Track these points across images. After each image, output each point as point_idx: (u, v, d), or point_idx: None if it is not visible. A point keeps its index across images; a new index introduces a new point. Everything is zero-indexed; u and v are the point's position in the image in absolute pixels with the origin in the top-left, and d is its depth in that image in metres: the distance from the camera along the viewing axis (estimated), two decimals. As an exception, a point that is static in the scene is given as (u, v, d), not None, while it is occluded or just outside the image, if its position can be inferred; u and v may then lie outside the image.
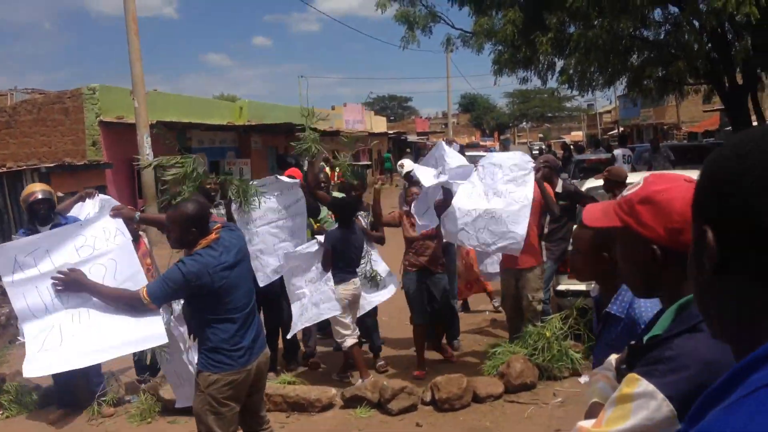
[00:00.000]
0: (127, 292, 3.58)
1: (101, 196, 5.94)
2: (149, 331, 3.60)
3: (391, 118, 56.79)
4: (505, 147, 37.58)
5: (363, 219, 6.56)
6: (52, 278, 3.60)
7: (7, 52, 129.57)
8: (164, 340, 3.69)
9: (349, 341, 6.00)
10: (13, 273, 3.62)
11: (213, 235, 3.61)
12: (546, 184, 6.01)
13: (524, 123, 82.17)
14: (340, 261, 5.96)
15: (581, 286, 6.35)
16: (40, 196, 5.65)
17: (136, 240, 6.36)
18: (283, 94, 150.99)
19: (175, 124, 17.38)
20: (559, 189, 6.44)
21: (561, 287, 6.79)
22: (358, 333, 6.22)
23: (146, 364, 6.61)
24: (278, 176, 6.33)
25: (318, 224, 6.75)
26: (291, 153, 10.30)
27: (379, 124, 39.91)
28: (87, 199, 5.68)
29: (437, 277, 6.22)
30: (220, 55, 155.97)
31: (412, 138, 39.35)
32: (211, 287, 3.51)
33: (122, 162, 14.96)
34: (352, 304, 6.06)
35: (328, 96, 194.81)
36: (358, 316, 6.24)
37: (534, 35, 13.39)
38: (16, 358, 7.44)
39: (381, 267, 6.54)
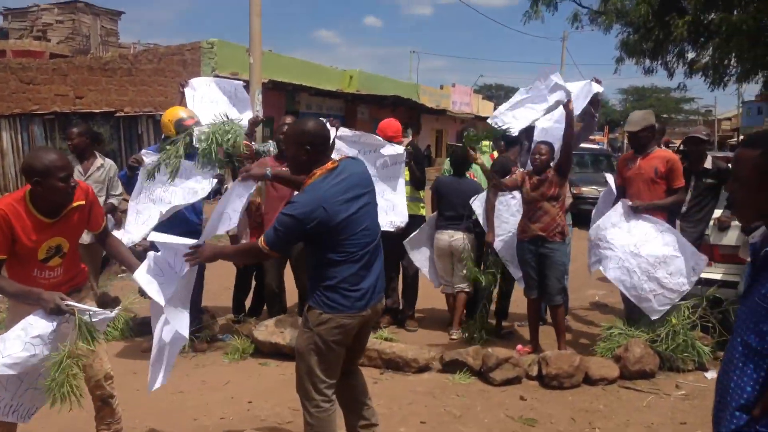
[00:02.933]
0: (247, 245, 3.43)
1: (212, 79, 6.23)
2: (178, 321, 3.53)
3: (497, 106, 55.80)
4: (612, 147, 35.98)
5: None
6: (185, 255, 3.45)
7: (133, 12, 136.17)
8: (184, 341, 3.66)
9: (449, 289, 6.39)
10: None
11: (330, 164, 3.27)
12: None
13: (635, 123, 78.77)
14: (445, 208, 6.25)
15: (715, 275, 5.76)
16: (190, 123, 5.64)
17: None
18: (392, 72, 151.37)
19: (285, 85, 17.47)
20: (708, 165, 5.79)
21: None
22: (462, 285, 6.30)
23: (242, 305, 6.63)
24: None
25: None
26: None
27: (486, 109, 39.16)
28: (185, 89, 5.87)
29: (551, 247, 5.58)
30: (330, 31, 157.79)
31: (518, 126, 38.35)
32: (329, 223, 3.14)
33: (232, 117, 15.13)
34: (445, 253, 6.24)
35: (437, 77, 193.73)
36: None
37: (670, 17, 12.54)
38: (116, 289, 7.55)
39: None
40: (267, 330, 5.67)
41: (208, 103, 5.99)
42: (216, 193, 5.59)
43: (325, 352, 3.29)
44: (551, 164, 5.54)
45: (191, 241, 3.54)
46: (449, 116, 29.42)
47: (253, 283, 6.69)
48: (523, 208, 5.72)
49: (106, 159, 6.53)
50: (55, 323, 3.05)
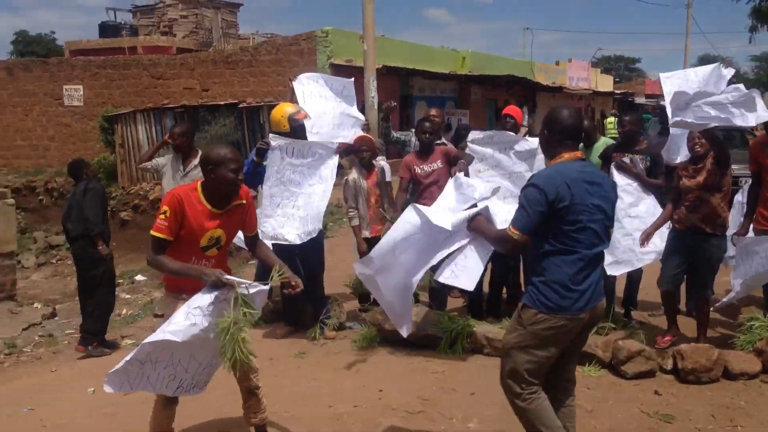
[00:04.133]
0: (498, 231, 3.33)
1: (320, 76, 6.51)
2: None
3: (617, 79, 53.46)
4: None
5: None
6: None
7: (250, 2, 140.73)
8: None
9: None
10: None
11: (579, 153, 3.27)
12: None
13: (768, 91, 73.63)
14: None
15: None
16: (301, 117, 5.95)
17: (370, 170, 6.41)
18: (505, 50, 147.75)
19: (399, 69, 17.57)
20: None
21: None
22: None
23: (368, 293, 6.79)
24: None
25: None
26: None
27: (605, 83, 37.74)
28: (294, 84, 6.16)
29: (710, 240, 5.24)
30: (440, 10, 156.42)
31: (639, 100, 36.72)
32: (568, 201, 3.04)
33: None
34: None
35: (552, 53, 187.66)
36: None
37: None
38: (248, 276, 7.93)
39: None
40: (394, 319, 5.80)
41: (317, 98, 6.27)
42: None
43: (536, 352, 3.17)
44: (710, 152, 5.25)
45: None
46: (566, 93, 28.59)
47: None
48: (678, 197, 5.46)
49: None
50: (213, 295, 3.32)
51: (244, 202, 3.70)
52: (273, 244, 5.47)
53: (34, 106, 19.46)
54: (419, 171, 6.10)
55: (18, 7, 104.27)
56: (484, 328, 5.59)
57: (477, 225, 3.58)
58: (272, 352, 5.59)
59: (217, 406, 4.49)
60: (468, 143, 5.91)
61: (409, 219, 3.81)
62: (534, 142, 5.79)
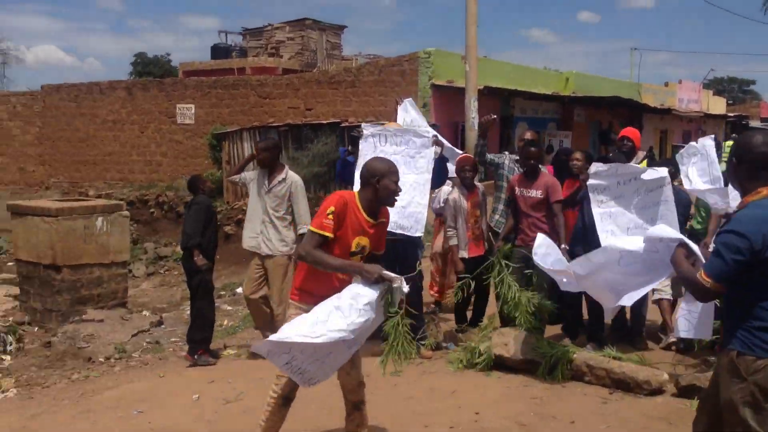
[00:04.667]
0: (689, 270, 3.00)
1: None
2: None
3: (729, 102, 51.07)
4: None
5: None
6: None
7: (354, 24, 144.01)
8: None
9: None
10: None
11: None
12: None
13: None
14: None
15: None
16: None
17: (471, 190, 6.39)
18: (610, 71, 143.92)
19: (500, 90, 17.43)
20: None
21: None
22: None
23: (464, 314, 6.73)
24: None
25: None
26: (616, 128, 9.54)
27: (717, 106, 36.11)
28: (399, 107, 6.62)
29: None
30: (543, 30, 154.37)
31: (754, 123, 34.90)
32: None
33: (447, 124, 15.45)
34: None
35: (661, 74, 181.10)
36: None
37: None
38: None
39: None
40: (491, 342, 5.71)
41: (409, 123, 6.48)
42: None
43: (765, 405, 2.78)
44: None
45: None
46: (675, 115, 27.52)
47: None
48: None
49: (290, 173, 6.44)
50: (377, 291, 3.49)
51: (385, 221, 3.86)
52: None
53: (150, 123, 20.53)
54: (519, 194, 6.03)
55: (137, 30, 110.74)
56: (584, 355, 5.43)
57: (675, 258, 3.19)
58: (367, 369, 5.58)
59: (312, 417, 4.55)
60: (589, 175, 5.73)
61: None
62: (662, 170, 5.52)
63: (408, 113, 6.62)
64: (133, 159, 20.59)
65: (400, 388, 5.32)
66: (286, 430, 4.27)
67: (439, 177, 6.28)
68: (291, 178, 6.37)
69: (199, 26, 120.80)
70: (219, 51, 28.44)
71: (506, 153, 6.94)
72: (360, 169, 5.68)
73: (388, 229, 5.37)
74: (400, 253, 5.76)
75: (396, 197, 3.77)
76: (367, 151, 5.85)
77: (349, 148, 6.08)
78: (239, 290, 11.97)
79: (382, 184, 3.66)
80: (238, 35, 30.91)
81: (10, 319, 9.53)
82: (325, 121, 16.22)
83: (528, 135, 6.72)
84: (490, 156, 6.72)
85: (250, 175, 6.61)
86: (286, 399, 3.76)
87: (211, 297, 6.92)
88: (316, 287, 3.68)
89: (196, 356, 6.61)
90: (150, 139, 20.60)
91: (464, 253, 6.30)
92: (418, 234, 5.95)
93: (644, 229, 4.91)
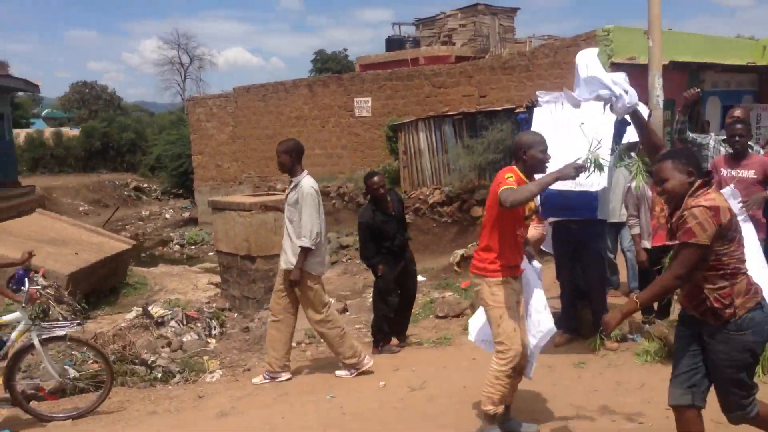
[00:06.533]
0: None
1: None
2: None
3: None
4: None
5: None
6: None
7: (527, 5, 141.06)
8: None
9: None
10: None
11: None
12: None
13: None
14: None
15: None
16: None
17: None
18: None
19: (688, 64, 16.31)
20: None
21: None
22: None
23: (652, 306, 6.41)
24: None
25: None
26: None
27: None
28: None
29: None
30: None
31: None
32: None
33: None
34: None
35: None
36: None
37: None
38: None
39: None
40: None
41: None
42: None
43: None
44: None
45: None
46: None
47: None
48: None
49: (305, 179, 5.84)
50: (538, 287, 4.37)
51: None
52: (556, 225, 5.67)
53: (330, 118, 21.50)
54: (725, 174, 5.59)
55: (315, 27, 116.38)
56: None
57: None
58: (550, 360, 5.54)
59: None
60: None
61: None
62: None
63: (588, 69, 6.07)
64: (316, 153, 21.66)
65: (583, 380, 5.21)
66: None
67: (617, 141, 5.67)
68: (302, 183, 5.81)
69: (374, 19, 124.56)
70: (393, 43, 29.05)
71: (712, 134, 6.43)
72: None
73: (567, 188, 5.18)
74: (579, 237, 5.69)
75: (545, 165, 4.05)
76: (542, 117, 5.67)
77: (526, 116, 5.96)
78: (419, 278, 12.24)
79: (529, 155, 4.03)
80: (411, 26, 31.36)
81: (214, 305, 10.47)
82: (499, 108, 16.07)
83: (738, 113, 6.09)
84: (692, 135, 6.14)
85: None
86: (518, 370, 4.13)
87: (386, 287, 7.11)
88: (512, 258, 4.13)
89: (380, 346, 6.82)
90: (330, 133, 21.58)
91: (647, 243, 6.00)
92: (597, 189, 5.40)
93: None
